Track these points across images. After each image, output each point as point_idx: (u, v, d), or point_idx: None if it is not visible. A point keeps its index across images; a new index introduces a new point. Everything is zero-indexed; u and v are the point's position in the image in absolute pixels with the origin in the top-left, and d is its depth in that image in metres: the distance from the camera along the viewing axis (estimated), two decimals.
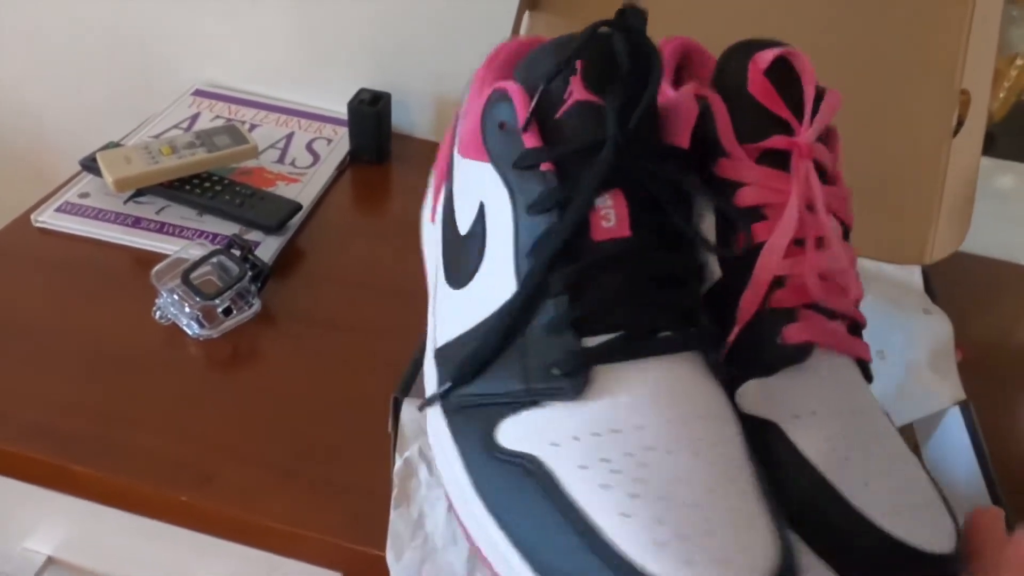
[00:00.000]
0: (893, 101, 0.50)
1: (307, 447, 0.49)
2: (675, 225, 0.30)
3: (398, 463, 0.42)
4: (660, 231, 0.30)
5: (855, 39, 0.51)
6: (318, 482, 0.47)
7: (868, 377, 0.34)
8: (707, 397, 0.29)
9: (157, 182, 0.64)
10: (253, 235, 0.63)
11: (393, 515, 0.42)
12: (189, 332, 0.55)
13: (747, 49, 0.34)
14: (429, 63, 0.79)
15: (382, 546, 0.41)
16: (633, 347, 0.28)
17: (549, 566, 0.25)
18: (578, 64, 0.30)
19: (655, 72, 0.30)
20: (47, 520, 0.55)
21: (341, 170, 0.75)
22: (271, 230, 0.64)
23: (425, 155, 0.79)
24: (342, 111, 0.76)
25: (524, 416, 0.28)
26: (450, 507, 0.42)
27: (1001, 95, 0.66)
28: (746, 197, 0.33)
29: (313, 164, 0.74)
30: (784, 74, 0.33)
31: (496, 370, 0.29)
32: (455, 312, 0.31)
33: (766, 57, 0.33)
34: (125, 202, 0.66)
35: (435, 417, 0.32)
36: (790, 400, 0.31)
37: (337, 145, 0.77)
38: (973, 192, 0.57)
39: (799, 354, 0.31)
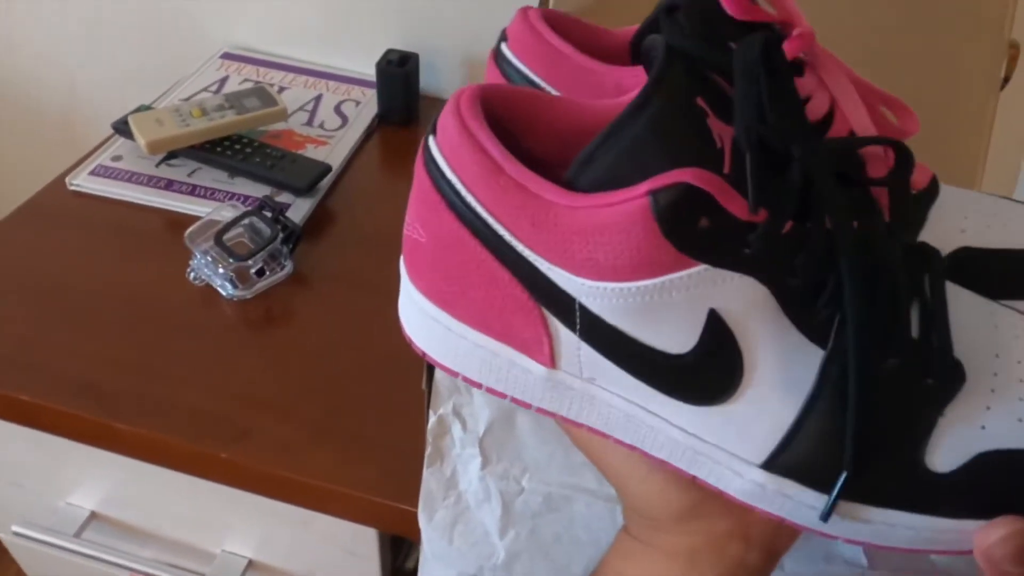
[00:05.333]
0: (940, 53, 0.48)
1: (341, 404, 0.49)
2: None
3: (432, 420, 0.42)
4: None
5: None
6: (352, 439, 0.47)
7: None
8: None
9: (188, 144, 0.64)
10: (283, 197, 0.63)
11: (426, 473, 0.42)
12: (223, 293, 0.55)
13: None
14: (457, 23, 0.78)
15: (415, 502, 0.41)
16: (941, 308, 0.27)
17: None
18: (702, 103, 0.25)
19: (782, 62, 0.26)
20: (90, 476, 0.57)
21: (369, 132, 0.74)
22: (301, 192, 0.64)
23: None
24: (370, 73, 0.76)
25: (942, 433, 0.27)
26: (484, 465, 0.42)
27: None
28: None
29: (342, 126, 0.73)
30: None
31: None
32: (735, 426, 0.28)
33: None
34: (157, 165, 0.66)
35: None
36: None
37: (365, 107, 0.76)
38: (1021, 147, 0.55)
39: None
